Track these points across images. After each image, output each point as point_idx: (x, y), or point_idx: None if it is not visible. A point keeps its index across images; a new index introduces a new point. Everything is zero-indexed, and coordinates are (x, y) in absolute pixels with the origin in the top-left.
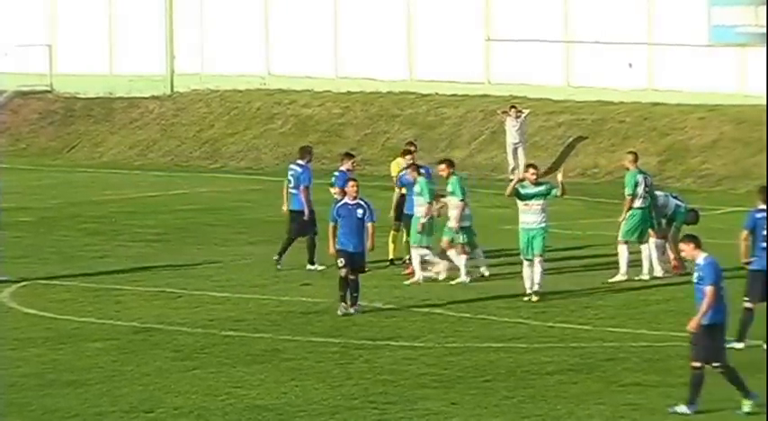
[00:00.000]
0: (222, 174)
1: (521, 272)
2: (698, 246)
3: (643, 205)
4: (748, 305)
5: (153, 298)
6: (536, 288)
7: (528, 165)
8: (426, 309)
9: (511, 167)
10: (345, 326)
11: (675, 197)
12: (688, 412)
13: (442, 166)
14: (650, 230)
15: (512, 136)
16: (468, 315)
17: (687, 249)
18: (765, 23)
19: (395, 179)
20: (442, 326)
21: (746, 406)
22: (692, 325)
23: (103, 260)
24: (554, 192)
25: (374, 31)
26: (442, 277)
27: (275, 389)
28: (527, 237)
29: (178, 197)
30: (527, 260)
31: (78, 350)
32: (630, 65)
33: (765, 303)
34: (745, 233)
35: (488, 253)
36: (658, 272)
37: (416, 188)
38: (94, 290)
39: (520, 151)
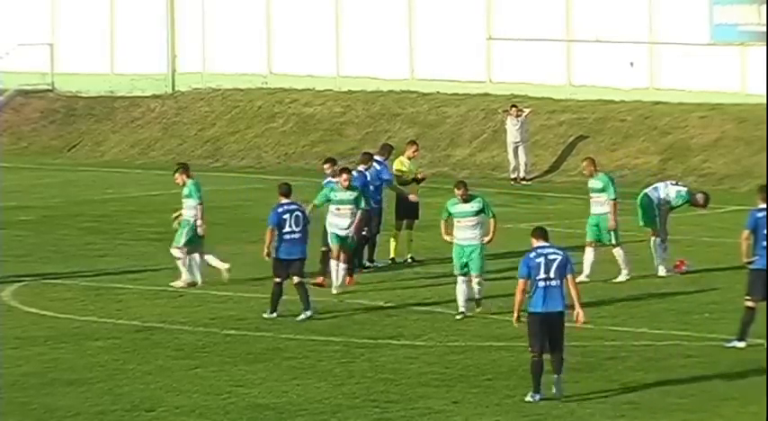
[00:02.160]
0: (223, 173)
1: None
2: (537, 237)
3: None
4: (750, 304)
5: (154, 297)
6: (478, 298)
7: (457, 183)
8: (428, 308)
9: (512, 166)
10: (346, 325)
11: (675, 183)
12: (535, 400)
13: (177, 175)
14: (650, 229)
15: (512, 135)
16: (469, 314)
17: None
18: (766, 22)
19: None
20: (444, 324)
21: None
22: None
23: (105, 259)
24: (487, 212)
25: (375, 30)
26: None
27: (276, 387)
28: (461, 254)
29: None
30: (461, 276)
31: (80, 349)
32: (632, 63)
33: (766, 302)
34: (746, 232)
35: (489, 253)
36: (661, 271)
37: (185, 190)
38: (96, 289)
39: (520, 150)
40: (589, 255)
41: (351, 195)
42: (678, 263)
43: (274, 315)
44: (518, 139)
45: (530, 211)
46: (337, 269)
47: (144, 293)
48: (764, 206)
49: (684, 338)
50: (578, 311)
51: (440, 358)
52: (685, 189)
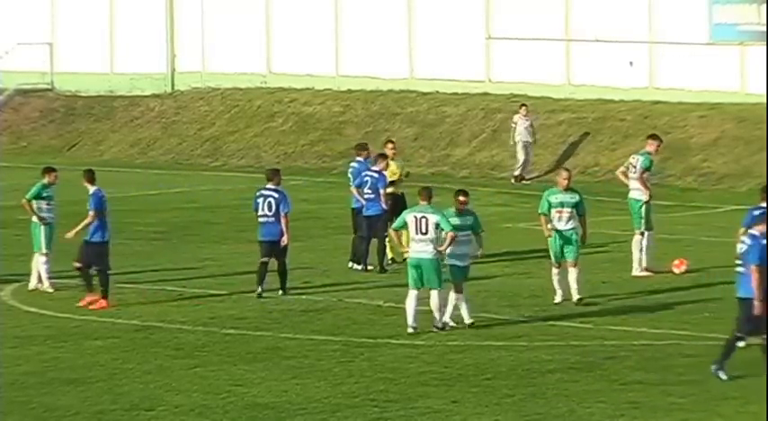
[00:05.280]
0: (223, 173)
1: (523, 270)
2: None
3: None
4: None
5: (154, 296)
6: (443, 321)
7: (424, 190)
8: (427, 308)
9: (520, 163)
10: (346, 325)
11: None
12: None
13: None
14: (637, 228)
15: (522, 134)
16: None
17: None
18: (766, 22)
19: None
20: None
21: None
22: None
23: None
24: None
25: (375, 30)
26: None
27: (276, 387)
28: (420, 267)
29: (179, 195)
30: (416, 290)
31: (79, 348)
32: (631, 63)
33: (766, 302)
34: (742, 231)
35: (490, 253)
36: (635, 271)
37: None
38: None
39: (530, 149)
40: (574, 273)
41: (467, 221)
42: (678, 262)
43: (259, 289)
44: (528, 138)
45: (530, 211)
46: (456, 301)
47: (143, 292)
48: (763, 205)
49: (684, 338)
50: (756, 303)
51: (439, 357)
52: (645, 151)
